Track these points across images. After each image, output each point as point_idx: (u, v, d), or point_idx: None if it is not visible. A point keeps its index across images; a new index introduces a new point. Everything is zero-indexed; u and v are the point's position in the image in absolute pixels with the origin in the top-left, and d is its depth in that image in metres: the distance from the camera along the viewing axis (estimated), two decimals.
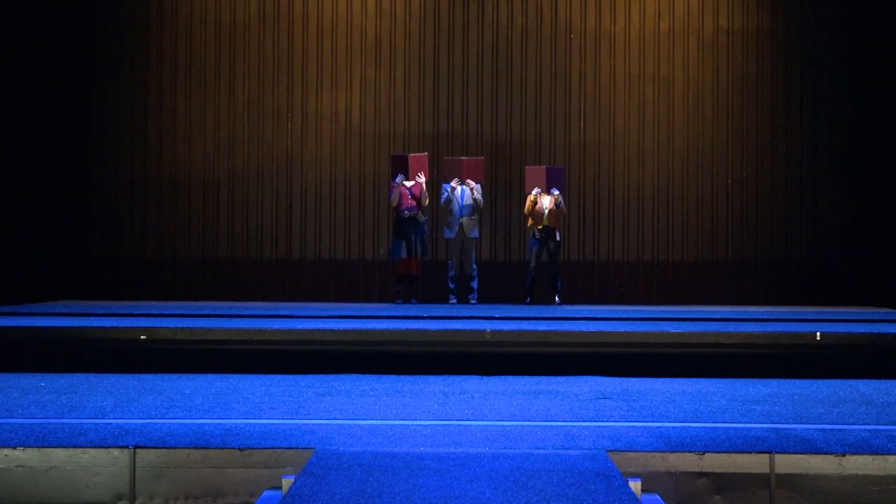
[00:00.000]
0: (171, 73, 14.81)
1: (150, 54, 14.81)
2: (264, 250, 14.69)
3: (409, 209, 13.21)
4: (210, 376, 8.66)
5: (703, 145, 14.82)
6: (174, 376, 8.64)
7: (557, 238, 13.38)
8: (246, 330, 9.26)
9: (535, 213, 13.32)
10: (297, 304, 13.12)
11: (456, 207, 13.42)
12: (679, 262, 14.76)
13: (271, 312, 11.30)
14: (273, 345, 9.16)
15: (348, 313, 11.25)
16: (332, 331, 9.39)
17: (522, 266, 13.89)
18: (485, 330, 9.37)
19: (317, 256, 14.76)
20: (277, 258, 14.70)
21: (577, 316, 11.18)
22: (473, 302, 13.42)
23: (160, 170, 14.75)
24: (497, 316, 10.96)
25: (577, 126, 14.83)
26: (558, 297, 13.45)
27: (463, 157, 13.84)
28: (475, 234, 13.53)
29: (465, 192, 13.42)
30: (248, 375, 8.59)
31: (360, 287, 14.68)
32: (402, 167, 13.30)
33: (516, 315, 11.12)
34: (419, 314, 11.12)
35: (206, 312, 11.20)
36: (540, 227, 13.31)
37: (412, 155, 13.50)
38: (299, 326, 9.58)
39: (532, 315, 11.18)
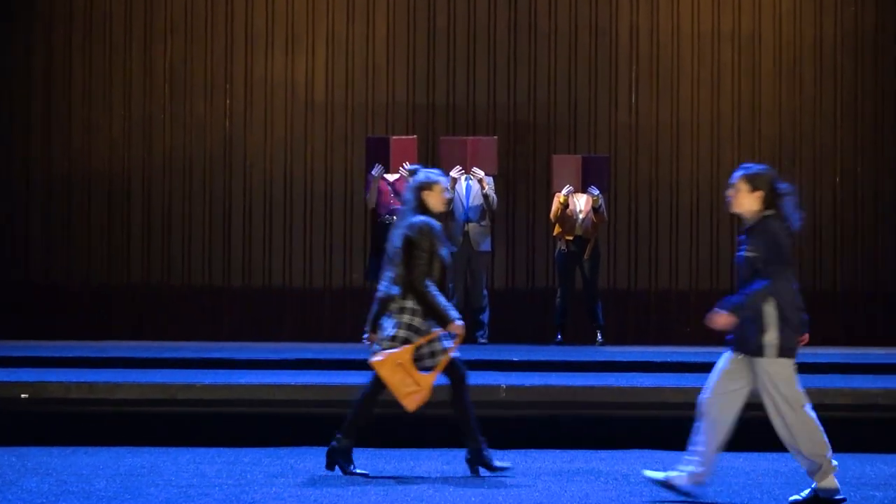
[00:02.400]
0: (64, 31, 14.80)
1: (36, 4, 14.80)
2: (194, 274, 14.66)
3: (391, 212, 13.18)
4: (117, 450, 8.65)
5: (801, 128, 14.82)
6: (67, 450, 8.63)
7: (596, 254, 13.37)
8: (167, 385, 9.24)
9: (566, 219, 13.31)
10: (238, 347, 13.10)
11: (459, 209, 13.39)
12: None
13: (203, 356, 11.28)
14: (205, 406, 9.15)
15: (308, 357, 11.24)
16: (286, 386, 9.36)
17: (551, 294, 13.88)
18: (499, 385, 9.35)
19: (266, 282, 14.72)
20: (212, 285, 14.68)
21: (625, 362, 11.17)
22: (483, 342, 13.40)
23: (48, 164, 14.72)
24: (516, 361, 10.95)
25: (627, 101, 14.83)
26: (601, 336, 13.45)
27: (468, 137, 13.85)
28: (486, 246, 13.52)
29: (470, 186, 13.41)
30: (169, 449, 8.60)
31: (325, 323, 14.65)
32: (381, 154, 13.30)
33: (542, 360, 11.11)
34: None
35: (112, 356, 11.18)
36: (571, 237, 13.30)
37: (395, 138, 13.50)
38: (241, 380, 9.56)
39: (564, 360, 11.17)
